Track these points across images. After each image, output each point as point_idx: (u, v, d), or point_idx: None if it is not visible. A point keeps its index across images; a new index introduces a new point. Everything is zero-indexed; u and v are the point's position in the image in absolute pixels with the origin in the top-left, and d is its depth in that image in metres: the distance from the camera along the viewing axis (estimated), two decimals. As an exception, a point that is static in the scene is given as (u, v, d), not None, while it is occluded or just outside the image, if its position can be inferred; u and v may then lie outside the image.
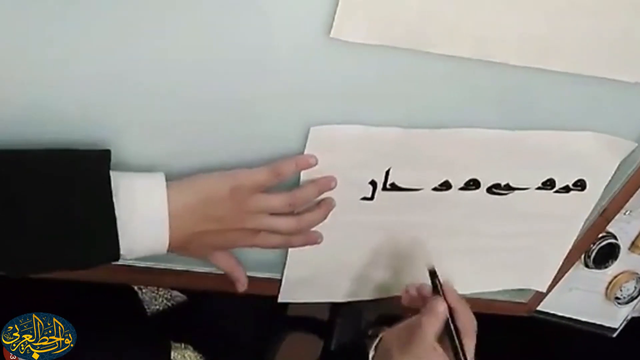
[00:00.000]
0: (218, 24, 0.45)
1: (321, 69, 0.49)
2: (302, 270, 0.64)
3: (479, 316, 0.76)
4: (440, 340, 0.55)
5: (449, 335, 0.55)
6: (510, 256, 0.70)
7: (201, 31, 0.45)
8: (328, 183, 0.55)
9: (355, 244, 0.63)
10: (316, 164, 0.54)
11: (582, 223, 0.69)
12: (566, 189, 0.64)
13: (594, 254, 0.74)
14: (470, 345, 0.56)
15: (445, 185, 0.60)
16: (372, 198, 0.59)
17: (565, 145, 0.59)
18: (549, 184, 0.63)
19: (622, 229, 0.75)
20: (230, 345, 0.79)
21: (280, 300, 0.66)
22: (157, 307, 0.77)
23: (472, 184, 0.61)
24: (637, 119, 0.60)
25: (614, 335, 0.86)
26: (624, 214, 0.73)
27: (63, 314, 0.51)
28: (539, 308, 0.79)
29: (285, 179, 0.52)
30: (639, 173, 0.64)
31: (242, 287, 0.58)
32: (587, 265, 0.76)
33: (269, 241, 0.55)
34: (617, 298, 0.81)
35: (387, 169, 0.57)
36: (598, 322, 0.85)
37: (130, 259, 0.48)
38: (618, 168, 0.64)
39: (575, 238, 0.70)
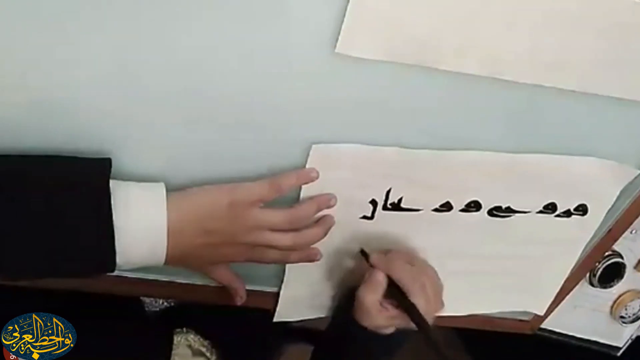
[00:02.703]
0: (223, 38, 0.44)
1: (326, 85, 0.48)
2: (299, 289, 0.63)
3: (482, 333, 0.76)
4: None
5: (395, 297, 0.57)
6: (509, 279, 0.69)
7: (206, 45, 0.45)
8: (327, 201, 0.55)
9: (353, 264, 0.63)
10: (317, 177, 0.53)
11: (583, 248, 0.68)
12: (567, 214, 0.64)
13: (599, 272, 0.74)
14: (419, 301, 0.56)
15: (446, 207, 0.60)
16: (372, 217, 0.58)
17: (567, 169, 0.59)
18: (550, 208, 0.63)
19: (628, 247, 0.74)
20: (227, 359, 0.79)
21: (275, 319, 0.65)
22: (157, 309, 0.78)
23: (473, 206, 0.60)
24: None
25: (618, 354, 0.85)
26: (630, 232, 0.72)
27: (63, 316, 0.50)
28: (542, 326, 0.79)
29: (286, 193, 0.52)
30: (644, 193, 0.64)
31: (240, 300, 0.58)
32: (592, 284, 0.75)
33: (267, 256, 0.54)
34: (621, 317, 0.80)
35: (388, 188, 0.57)
36: (602, 341, 0.84)
37: (126, 269, 0.48)
38: (624, 187, 0.63)
39: (575, 262, 0.70)
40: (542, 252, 0.68)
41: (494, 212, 0.61)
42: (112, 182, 0.45)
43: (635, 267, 0.76)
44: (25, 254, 0.43)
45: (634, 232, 0.72)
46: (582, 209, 0.64)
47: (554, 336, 0.80)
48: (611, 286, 0.76)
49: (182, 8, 0.42)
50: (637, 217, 0.67)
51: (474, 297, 0.71)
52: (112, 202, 0.44)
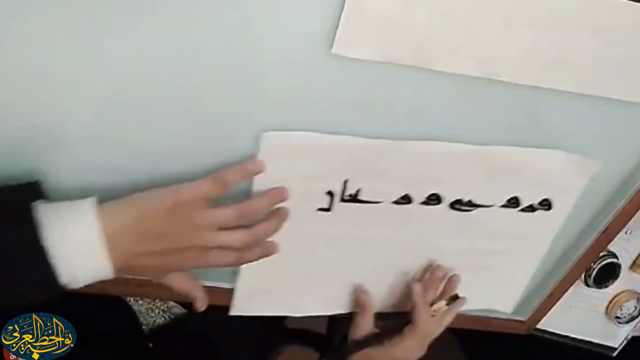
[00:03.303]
0: (219, 38, 0.44)
1: (322, 85, 0.49)
2: (255, 283, 0.61)
3: (477, 333, 0.76)
4: None
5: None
6: (474, 275, 0.68)
7: (202, 46, 0.45)
8: (280, 194, 0.52)
9: (312, 257, 0.61)
10: (263, 169, 0.51)
11: (549, 243, 0.67)
12: (531, 208, 0.63)
13: (594, 272, 0.74)
14: None
15: (406, 199, 0.58)
16: (329, 209, 0.57)
17: (531, 162, 0.58)
18: (513, 202, 0.62)
19: (623, 248, 0.75)
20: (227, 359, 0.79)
21: (232, 312, 0.63)
22: (154, 319, 0.77)
23: (434, 199, 0.59)
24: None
25: (614, 354, 0.85)
26: (625, 233, 0.72)
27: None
28: (538, 326, 0.79)
29: (232, 189, 0.49)
30: (638, 194, 0.64)
31: (202, 306, 0.54)
32: (587, 284, 0.76)
33: (222, 259, 0.50)
34: (617, 317, 0.81)
35: (345, 179, 0.55)
36: (598, 341, 0.84)
37: (79, 287, 0.46)
38: (620, 187, 0.64)
39: (540, 258, 0.69)
40: (507, 248, 0.67)
41: (456, 205, 0.60)
42: (38, 204, 0.43)
43: (630, 268, 0.77)
44: None
45: (629, 232, 0.73)
46: (546, 204, 0.63)
47: (550, 336, 0.81)
48: (606, 286, 0.76)
49: (175, 11, 0.43)
50: (632, 217, 0.67)
51: None
52: (42, 223, 0.42)
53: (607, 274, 0.75)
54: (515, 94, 0.53)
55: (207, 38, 0.44)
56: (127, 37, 0.43)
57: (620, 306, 0.80)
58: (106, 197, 0.46)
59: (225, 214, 0.48)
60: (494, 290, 0.71)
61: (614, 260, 0.74)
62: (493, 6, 0.46)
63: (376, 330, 0.65)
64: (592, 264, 0.73)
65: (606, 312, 0.81)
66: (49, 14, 0.41)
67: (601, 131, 0.58)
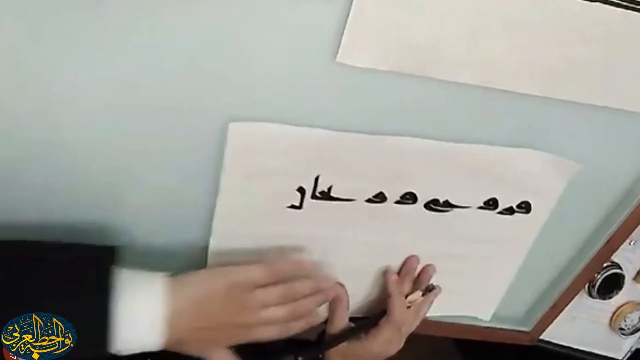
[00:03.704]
0: (224, 46, 0.45)
1: (326, 93, 0.49)
2: None
3: (481, 344, 0.76)
4: None
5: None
6: (450, 280, 0.66)
7: (202, 50, 0.45)
8: (327, 285, 0.57)
9: (282, 258, 0.60)
10: (311, 267, 0.56)
11: (527, 248, 0.66)
12: (510, 211, 0.61)
13: (598, 283, 0.74)
14: None
15: (380, 197, 0.57)
16: (300, 207, 0.55)
17: (508, 162, 0.57)
18: (491, 204, 0.60)
19: (627, 258, 0.75)
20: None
21: None
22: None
23: (409, 198, 0.57)
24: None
25: (619, 367, 0.85)
26: (629, 243, 0.72)
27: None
28: (541, 337, 0.79)
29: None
30: (643, 204, 0.64)
31: None
32: (591, 295, 0.75)
33: (267, 333, 0.54)
34: (621, 329, 0.80)
35: (316, 175, 0.54)
36: (602, 353, 0.84)
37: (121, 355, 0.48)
38: (623, 198, 0.64)
39: (520, 263, 0.67)
40: (485, 252, 0.65)
41: (431, 205, 0.58)
42: (117, 271, 0.47)
43: (634, 279, 0.77)
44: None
45: (632, 243, 0.72)
46: (525, 207, 0.61)
47: (553, 348, 0.80)
48: (610, 297, 0.76)
49: (182, 14, 0.43)
50: (635, 228, 0.67)
51: None
52: (116, 289, 0.46)
53: (611, 285, 0.75)
54: (515, 103, 0.53)
55: (209, 43, 0.44)
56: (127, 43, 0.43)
57: (624, 317, 0.79)
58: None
59: (273, 294, 0.53)
60: (471, 296, 0.70)
61: (618, 271, 0.74)
62: (495, 16, 0.47)
63: (352, 325, 0.64)
64: (595, 275, 0.73)
65: (610, 324, 0.81)
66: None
67: (603, 141, 0.59)
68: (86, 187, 0.50)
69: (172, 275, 0.50)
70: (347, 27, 0.45)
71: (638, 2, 0.47)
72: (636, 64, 0.52)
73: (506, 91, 0.51)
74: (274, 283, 0.53)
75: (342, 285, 0.63)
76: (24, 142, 0.46)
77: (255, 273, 0.52)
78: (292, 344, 0.67)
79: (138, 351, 0.48)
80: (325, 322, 0.63)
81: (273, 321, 0.53)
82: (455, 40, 0.47)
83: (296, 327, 0.56)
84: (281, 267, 0.54)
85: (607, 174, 0.61)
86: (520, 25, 0.48)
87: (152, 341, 0.48)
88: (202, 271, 0.52)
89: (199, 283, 0.51)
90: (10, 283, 0.44)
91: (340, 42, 0.45)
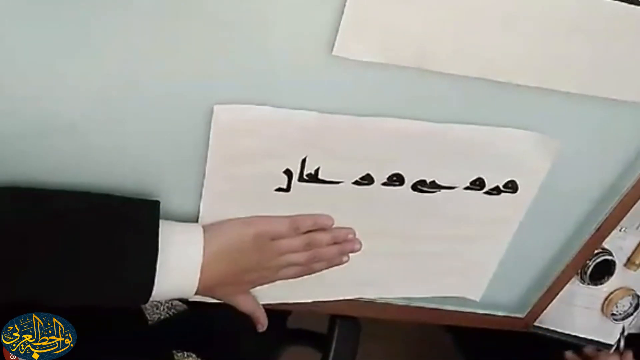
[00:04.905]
0: (220, 43, 0.46)
1: (322, 86, 0.50)
2: None
3: (475, 331, 0.77)
4: None
5: None
6: (440, 262, 0.67)
7: (205, 53, 0.46)
8: (345, 236, 0.60)
9: None
10: (332, 224, 0.59)
11: (515, 228, 0.66)
12: (497, 191, 0.62)
13: (589, 270, 0.75)
14: None
15: (367, 179, 0.57)
16: (288, 189, 0.56)
17: (492, 141, 0.57)
18: (478, 184, 0.60)
19: (617, 245, 0.76)
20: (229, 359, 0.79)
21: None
22: (159, 315, 0.78)
23: (396, 179, 0.58)
24: (633, 138, 0.62)
25: (611, 351, 0.86)
26: (619, 230, 0.73)
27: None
28: (535, 323, 0.80)
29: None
30: (634, 190, 0.65)
31: (262, 327, 0.63)
32: (583, 281, 0.77)
33: (290, 274, 0.60)
34: (613, 314, 0.82)
35: (303, 157, 0.54)
36: (594, 339, 0.85)
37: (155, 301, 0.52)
38: (614, 183, 0.65)
39: (508, 242, 0.68)
40: (473, 232, 0.65)
41: (419, 186, 0.59)
42: (162, 222, 0.50)
43: (625, 265, 0.78)
44: (74, 279, 0.47)
45: (623, 230, 0.74)
46: (511, 186, 0.62)
47: (546, 333, 0.82)
48: (602, 283, 0.77)
49: (181, 16, 0.44)
50: (625, 215, 0.68)
51: (403, 280, 0.69)
52: (161, 238, 0.49)
53: (603, 271, 0.76)
54: (512, 94, 0.54)
55: (208, 38, 0.45)
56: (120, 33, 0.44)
57: (616, 303, 0.81)
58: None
59: (296, 242, 0.58)
60: (462, 277, 0.70)
61: (609, 257, 0.75)
62: (489, 9, 0.48)
63: None
64: (587, 261, 0.74)
65: (602, 310, 0.82)
66: None
67: (594, 130, 0.60)
68: (77, 170, 0.51)
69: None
70: (342, 21, 0.46)
71: (626, -6, 0.49)
72: (631, 56, 0.53)
73: (500, 82, 0.52)
74: (297, 234, 0.58)
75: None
76: (25, 123, 0.47)
77: (279, 224, 0.57)
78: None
79: (174, 297, 0.53)
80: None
81: (295, 263, 0.58)
82: (450, 33, 0.48)
83: (317, 268, 0.61)
84: (303, 221, 0.57)
85: (597, 162, 0.63)
86: (514, 18, 0.48)
87: (190, 287, 0.52)
88: (232, 220, 0.56)
89: (229, 232, 0.55)
90: (58, 232, 0.47)
91: (336, 36, 0.46)
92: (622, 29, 0.51)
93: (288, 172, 0.55)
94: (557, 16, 0.49)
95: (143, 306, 0.77)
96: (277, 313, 0.66)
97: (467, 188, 0.61)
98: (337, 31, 0.46)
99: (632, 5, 0.49)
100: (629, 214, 0.68)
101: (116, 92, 0.47)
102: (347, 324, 0.82)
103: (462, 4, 0.47)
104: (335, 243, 0.60)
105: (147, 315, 0.78)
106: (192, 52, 0.46)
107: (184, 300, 0.78)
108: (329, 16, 0.46)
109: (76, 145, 0.49)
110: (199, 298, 0.58)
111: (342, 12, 0.45)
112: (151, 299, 0.50)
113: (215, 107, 0.49)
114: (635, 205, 0.67)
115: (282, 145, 0.53)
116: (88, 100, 0.47)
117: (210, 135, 0.50)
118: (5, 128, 0.46)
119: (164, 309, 0.82)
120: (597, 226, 0.69)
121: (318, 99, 0.51)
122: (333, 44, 0.47)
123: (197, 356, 0.66)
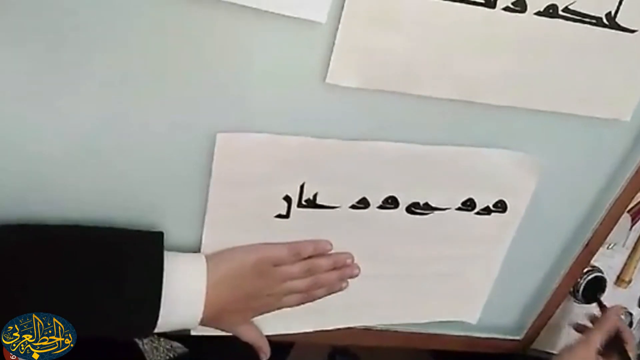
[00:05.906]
0: (214, 73, 0.48)
1: (317, 113, 0.52)
2: None
3: (472, 355, 0.77)
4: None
5: (617, 348, 0.69)
6: (435, 284, 0.68)
7: (199, 82, 0.48)
8: (344, 261, 0.61)
9: None
10: (331, 249, 0.59)
11: (506, 247, 0.68)
12: (487, 211, 0.64)
13: (581, 288, 0.76)
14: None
15: (363, 203, 0.59)
16: (287, 216, 0.57)
17: (477, 162, 0.59)
18: (469, 205, 0.63)
19: (606, 264, 0.78)
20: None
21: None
22: (159, 358, 0.77)
23: (391, 202, 0.60)
24: (614, 154, 0.64)
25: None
26: (607, 247, 0.75)
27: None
28: (533, 346, 0.80)
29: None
30: (616, 206, 0.67)
31: (265, 356, 0.62)
32: (577, 299, 0.78)
33: (292, 302, 0.60)
34: (608, 333, 0.82)
35: (301, 182, 0.56)
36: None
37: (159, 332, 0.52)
38: (598, 198, 0.67)
39: (501, 262, 0.69)
40: (465, 252, 0.67)
41: (413, 208, 0.61)
42: (166, 254, 0.51)
43: (615, 283, 0.80)
44: (76, 311, 0.48)
45: (610, 247, 0.76)
46: (501, 206, 0.64)
47: (541, 355, 0.82)
48: (595, 300, 0.78)
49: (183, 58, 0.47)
50: (611, 229, 0.69)
51: (400, 305, 0.69)
52: (165, 271, 0.50)
53: (595, 288, 0.77)
54: (490, 112, 0.56)
55: (201, 65, 0.48)
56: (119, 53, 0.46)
57: (610, 322, 0.82)
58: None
59: (296, 268, 0.59)
60: (458, 299, 0.71)
61: (599, 274, 0.77)
62: (467, 38, 0.51)
63: None
64: (579, 280, 0.76)
65: (597, 328, 0.83)
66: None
67: (575, 147, 0.62)
68: (79, 202, 0.52)
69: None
70: (334, 51, 0.48)
71: (593, 17, 0.52)
72: (604, 75, 0.56)
73: (482, 103, 0.55)
74: (297, 260, 0.58)
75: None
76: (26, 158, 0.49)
77: (279, 250, 0.57)
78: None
79: (178, 328, 0.53)
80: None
81: (297, 290, 0.59)
82: (433, 60, 0.51)
83: (318, 295, 0.61)
84: (303, 247, 0.58)
85: (580, 178, 0.65)
86: (490, 43, 0.52)
87: (194, 318, 0.53)
88: (233, 248, 0.56)
89: (230, 259, 0.56)
90: (62, 266, 0.47)
91: (328, 65, 0.49)
92: (598, 49, 0.54)
93: (287, 199, 0.57)
94: (532, 37, 0.52)
95: (142, 349, 0.77)
96: (277, 350, 0.67)
97: (459, 209, 0.63)
98: (329, 60, 0.49)
99: (606, 29, 0.53)
100: (615, 229, 0.70)
101: (118, 125, 0.49)
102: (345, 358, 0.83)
103: (441, 34, 0.50)
104: (334, 268, 0.61)
105: (147, 358, 0.77)
106: (194, 86, 0.48)
107: (185, 341, 0.78)
108: (321, 47, 0.49)
109: (78, 178, 0.51)
110: (201, 331, 0.59)
111: (333, 43, 0.48)
112: (156, 330, 0.51)
113: (218, 136, 0.51)
114: (619, 220, 0.69)
115: (280, 170, 0.54)
116: (90, 132, 0.48)
117: (214, 163, 0.52)
118: (7, 165, 0.48)
119: (163, 351, 0.81)
120: (585, 242, 0.70)
121: (314, 125, 0.53)
122: (326, 73, 0.50)
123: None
